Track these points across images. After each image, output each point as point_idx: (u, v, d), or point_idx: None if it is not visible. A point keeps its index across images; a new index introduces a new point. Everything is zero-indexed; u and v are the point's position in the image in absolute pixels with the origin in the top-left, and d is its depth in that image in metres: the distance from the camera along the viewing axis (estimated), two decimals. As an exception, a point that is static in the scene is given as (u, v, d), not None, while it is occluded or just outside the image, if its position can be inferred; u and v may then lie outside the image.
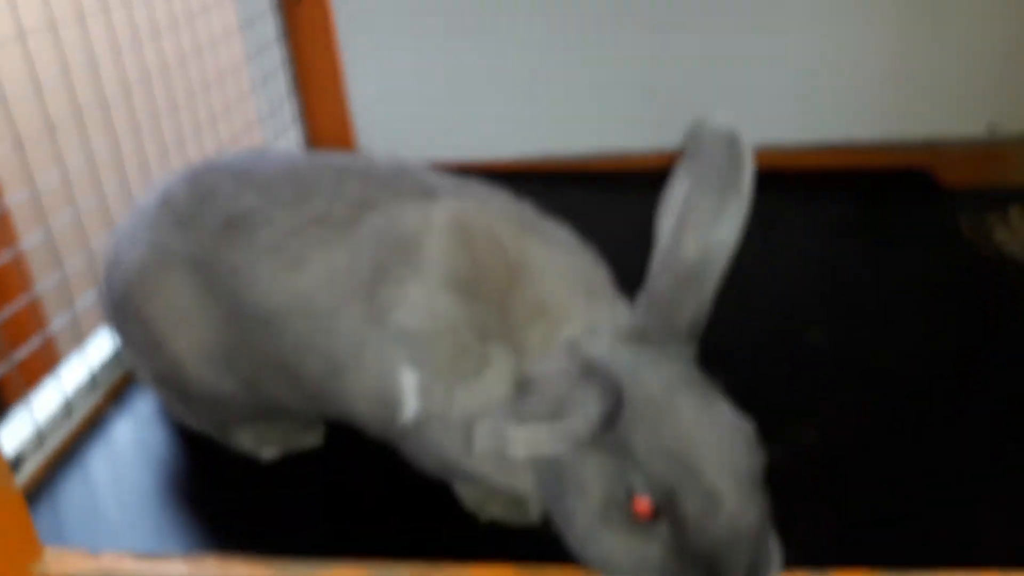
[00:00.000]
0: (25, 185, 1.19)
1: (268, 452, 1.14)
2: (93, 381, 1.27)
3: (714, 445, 0.78)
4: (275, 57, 1.86)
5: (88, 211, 1.25)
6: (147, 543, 1.02)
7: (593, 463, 0.81)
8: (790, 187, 1.85)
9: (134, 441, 1.19)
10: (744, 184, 0.82)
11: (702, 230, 0.82)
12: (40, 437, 1.16)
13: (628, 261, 0.99)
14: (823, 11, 1.89)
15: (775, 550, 0.82)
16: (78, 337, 1.26)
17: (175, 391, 1.11)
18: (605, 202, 1.84)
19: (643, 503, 0.78)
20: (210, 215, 1.04)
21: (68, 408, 1.21)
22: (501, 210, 0.98)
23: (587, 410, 0.78)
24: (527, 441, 0.77)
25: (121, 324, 1.12)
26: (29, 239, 1.24)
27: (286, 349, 1.01)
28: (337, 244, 0.98)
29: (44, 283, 1.24)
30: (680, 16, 1.91)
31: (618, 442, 0.79)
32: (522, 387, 0.88)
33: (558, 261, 0.94)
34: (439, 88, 2.00)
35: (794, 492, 1.02)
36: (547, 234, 0.97)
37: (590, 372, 0.81)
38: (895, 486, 1.04)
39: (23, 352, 1.18)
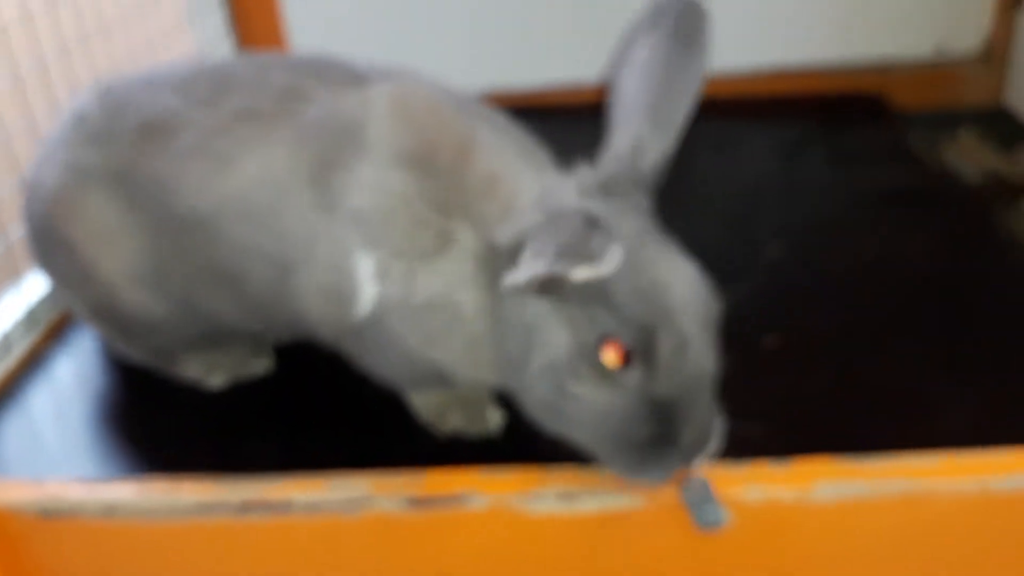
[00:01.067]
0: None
1: (216, 379, 1.10)
2: (31, 318, 1.22)
3: (683, 291, 0.79)
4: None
5: (17, 134, 1.20)
6: (93, 473, 0.99)
7: (561, 316, 0.79)
8: (747, 111, 1.85)
9: (75, 376, 1.15)
10: (705, 40, 0.85)
11: (667, 79, 0.84)
12: (-24, 373, 1.12)
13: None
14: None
15: (719, 418, 0.83)
16: (13, 271, 1.21)
17: (112, 322, 1.07)
18: (558, 136, 1.82)
19: (616, 347, 0.77)
20: (125, 125, 0.99)
21: (6, 344, 1.17)
22: (439, 90, 0.96)
23: (602, 231, 0.74)
24: (569, 264, 0.72)
25: (47, 256, 1.06)
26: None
27: (224, 256, 0.96)
28: (271, 141, 0.93)
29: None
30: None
31: (593, 289, 0.77)
32: (488, 259, 0.85)
33: (502, 136, 0.92)
34: (380, 19, 1.95)
35: (757, 390, 1.03)
36: (485, 113, 0.95)
37: (565, 216, 0.77)
38: (853, 383, 1.04)
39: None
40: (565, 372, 0.79)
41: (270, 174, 0.93)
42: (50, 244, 1.04)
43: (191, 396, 1.10)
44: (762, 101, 1.90)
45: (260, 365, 1.12)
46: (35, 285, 1.26)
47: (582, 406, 0.79)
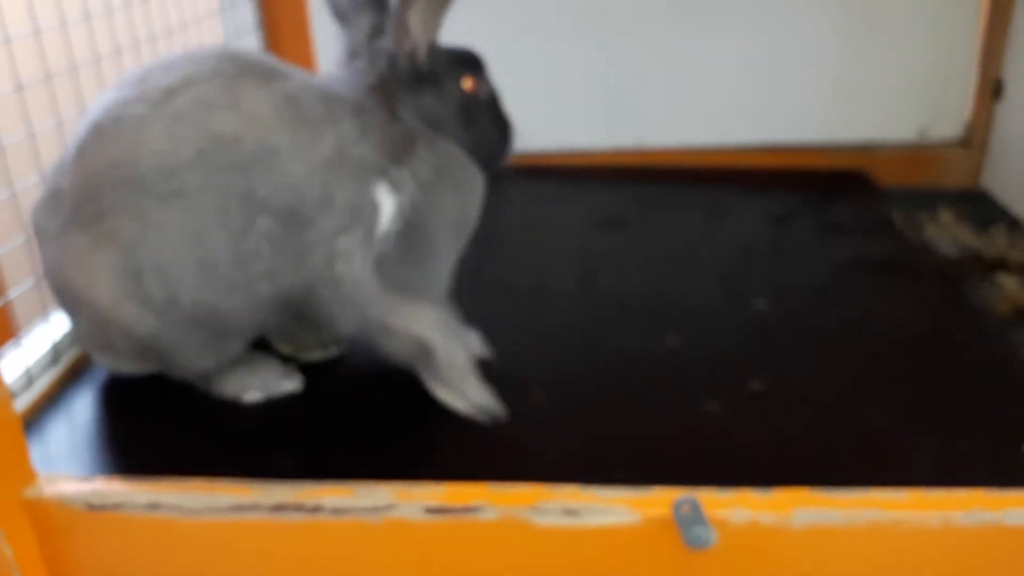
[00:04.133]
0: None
1: (251, 396, 1.20)
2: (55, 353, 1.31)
3: None
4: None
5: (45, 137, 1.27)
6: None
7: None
8: (738, 181, 1.97)
9: (115, 389, 1.24)
10: None
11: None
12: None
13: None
14: (770, 27, 2.05)
15: None
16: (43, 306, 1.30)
17: (142, 353, 1.15)
18: (560, 194, 1.95)
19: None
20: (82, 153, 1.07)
21: (56, 354, 1.26)
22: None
23: None
24: None
25: (76, 323, 1.16)
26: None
27: (214, 222, 1.06)
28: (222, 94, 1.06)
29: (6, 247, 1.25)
30: (638, 23, 2.04)
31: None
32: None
33: None
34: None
35: (742, 429, 1.13)
36: None
37: None
38: (829, 427, 1.14)
39: None
40: None
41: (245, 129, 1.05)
42: (70, 308, 1.14)
43: (227, 408, 1.19)
44: (755, 173, 2.03)
45: (291, 384, 1.22)
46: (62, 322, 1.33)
47: None
